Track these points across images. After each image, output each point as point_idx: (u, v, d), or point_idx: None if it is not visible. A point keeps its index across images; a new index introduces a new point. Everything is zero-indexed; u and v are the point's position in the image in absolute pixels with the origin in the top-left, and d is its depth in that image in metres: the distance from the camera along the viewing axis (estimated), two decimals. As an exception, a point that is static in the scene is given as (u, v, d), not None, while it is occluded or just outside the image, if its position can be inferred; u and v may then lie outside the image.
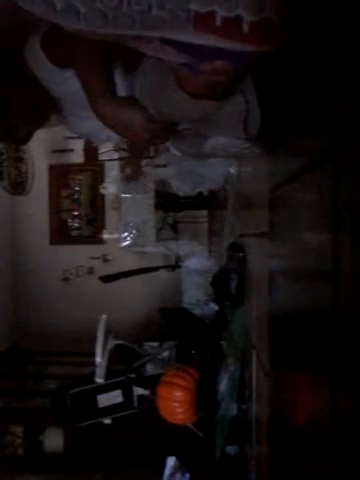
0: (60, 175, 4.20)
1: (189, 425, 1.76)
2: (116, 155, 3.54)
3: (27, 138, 1.31)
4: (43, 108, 1.26)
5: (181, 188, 2.38)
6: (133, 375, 1.53)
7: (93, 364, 1.59)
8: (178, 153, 1.29)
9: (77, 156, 4.09)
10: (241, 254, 1.45)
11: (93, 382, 1.54)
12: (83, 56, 1.08)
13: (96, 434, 2.65)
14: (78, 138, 3.89)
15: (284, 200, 1.00)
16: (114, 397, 1.51)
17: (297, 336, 0.84)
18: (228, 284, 1.45)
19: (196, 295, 2.85)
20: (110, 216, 3.97)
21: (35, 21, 1.17)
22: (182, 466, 1.88)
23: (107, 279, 3.11)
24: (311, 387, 0.80)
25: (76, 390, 1.54)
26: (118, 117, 1.08)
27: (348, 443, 0.59)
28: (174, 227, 3.55)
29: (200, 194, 3.02)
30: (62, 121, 1.35)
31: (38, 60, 1.14)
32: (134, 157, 1.64)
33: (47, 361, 3.76)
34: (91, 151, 4.00)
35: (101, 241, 3.90)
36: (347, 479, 0.60)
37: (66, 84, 1.19)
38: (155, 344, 2.03)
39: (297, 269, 0.88)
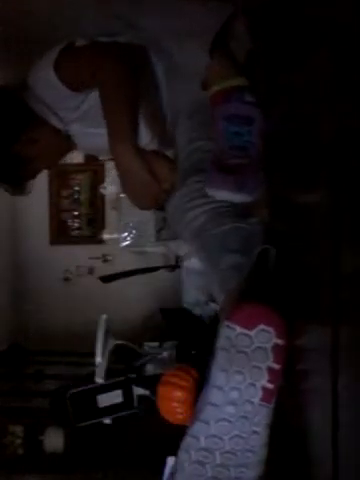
0: (60, 175, 4.19)
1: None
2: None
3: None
4: (58, 145, 1.27)
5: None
6: (133, 375, 1.52)
7: (93, 364, 1.59)
8: None
9: (77, 156, 4.08)
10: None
11: (93, 382, 1.54)
12: (117, 94, 1.06)
13: (96, 434, 2.64)
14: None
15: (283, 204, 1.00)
16: (114, 397, 1.51)
17: (297, 336, 0.84)
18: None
19: (196, 295, 2.84)
20: (110, 216, 3.97)
21: (38, 50, 1.17)
22: (182, 466, 1.88)
23: (107, 279, 3.11)
24: (311, 387, 0.80)
25: (76, 390, 1.53)
26: (127, 168, 1.07)
27: (348, 443, 0.59)
28: (174, 227, 3.54)
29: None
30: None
31: (52, 86, 1.13)
32: None
33: (47, 361, 3.76)
34: (91, 151, 3.99)
35: (101, 241, 3.89)
36: (348, 478, 0.60)
37: (79, 109, 1.18)
38: (155, 344, 2.03)
39: (296, 269, 0.88)
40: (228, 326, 0.81)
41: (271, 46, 1.11)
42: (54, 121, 1.21)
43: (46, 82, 1.13)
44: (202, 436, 0.83)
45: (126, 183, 1.10)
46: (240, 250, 0.96)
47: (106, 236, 3.72)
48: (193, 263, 3.07)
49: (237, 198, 0.99)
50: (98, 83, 1.07)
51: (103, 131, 1.16)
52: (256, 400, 0.80)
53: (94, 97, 1.14)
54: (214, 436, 0.83)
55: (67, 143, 1.30)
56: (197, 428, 0.84)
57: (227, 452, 0.82)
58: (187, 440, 0.85)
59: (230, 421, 0.81)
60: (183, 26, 1.10)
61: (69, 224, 4.26)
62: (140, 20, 1.13)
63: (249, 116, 1.02)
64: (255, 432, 0.81)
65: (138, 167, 1.06)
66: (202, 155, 1.11)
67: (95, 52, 1.10)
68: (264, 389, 0.79)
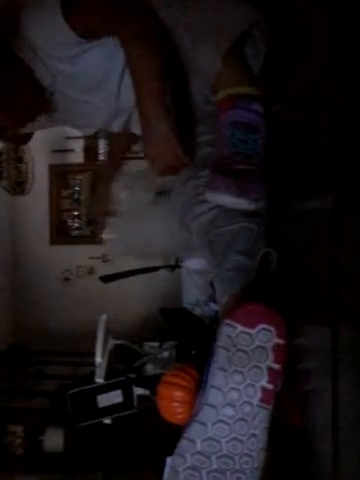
0: (60, 175, 4.19)
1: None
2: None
3: (27, 138, 1.26)
4: (33, 104, 1.17)
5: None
6: (133, 375, 1.52)
7: (93, 364, 1.59)
8: None
9: (77, 156, 4.08)
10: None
11: (93, 382, 1.53)
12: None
13: (96, 434, 2.64)
14: (78, 138, 3.88)
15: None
16: (114, 397, 1.51)
17: (297, 337, 0.84)
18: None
19: (196, 295, 2.84)
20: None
21: None
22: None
23: (107, 279, 3.10)
24: (311, 387, 0.80)
25: (76, 390, 1.53)
26: (155, 125, 1.02)
27: (348, 442, 0.59)
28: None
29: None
30: (52, 117, 1.26)
31: (54, 27, 1.02)
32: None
33: (47, 361, 3.76)
34: (91, 151, 3.99)
35: (101, 241, 3.89)
36: (347, 477, 0.60)
37: (75, 61, 1.09)
38: (155, 344, 2.03)
39: (296, 271, 0.88)
40: (229, 324, 0.80)
41: (279, 54, 1.07)
42: (42, 72, 1.12)
43: (48, 22, 1.03)
44: (198, 439, 0.81)
45: (150, 141, 1.05)
46: (246, 252, 0.95)
47: (106, 236, 3.71)
48: (193, 263, 3.06)
49: (239, 204, 0.96)
50: (122, 38, 1.00)
51: (91, 98, 1.11)
52: (255, 401, 0.79)
53: (88, 64, 1.07)
54: (211, 439, 0.81)
55: (42, 102, 1.18)
56: (193, 430, 0.82)
57: (224, 456, 0.80)
58: (182, 443, 0.83)
59: (228, 423, 0.80)
60: (203, 25, 1.04)
61: (69, 224, 4.26)
62: (161, 11, 1.07)
63: (254, 125, 1.00)
64: (253, 435, 0.80)
65: (166, 126, 1.02)
66: (210, 149, 1.09)
67: (119, 3, 1.02)
68: (263, 390, 0.78)
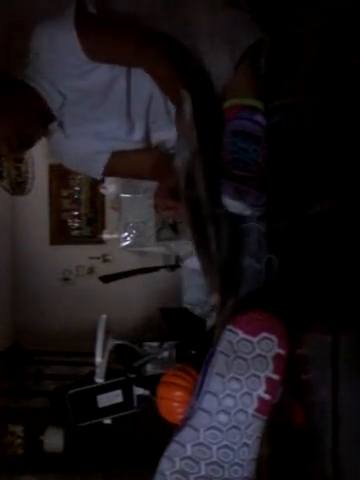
0: (60, 175, 4.19)
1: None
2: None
3: (30, 145, 1.29)
4: (28, 130, 1.22)
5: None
6: (133, 375, 1.52)
7: (93, 364, 1.58)
8: None
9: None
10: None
11: (93, 382, 1.53)
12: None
13: (96, 434, 2.64)
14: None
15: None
16: (114, 397, 1.51)
17: (296, 344, 0.84)
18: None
19: (196, 295, 2.84)
20: (110, 216, 3.97)
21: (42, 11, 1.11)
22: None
23: (107, 279, 3.10)
24: (312, 392, 0.79)
25: (76, 390, 1.53)
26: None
27: (348, 441, 0.59)
28: (174, 227, 3.54)
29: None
30: (55, 148, 1.29)
31: (67, 48, 1.06)
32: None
33: (47, 361, 3.76)
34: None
35: (101, 241, 3.89)
36: (346, 477, 0.60)
37: (86, 76, 1.12)
38: (155, 344, 2.03)
39: (295, 277, 0.88)
40: (231, 330, 0.80)
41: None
42: (51, 94, 1.15)
43: (61, 42, 1.06)
44: (189, 443, 0.80)
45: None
46: (254, 254, 0.95)
47: (106, 236, 3.72)
48: (193, 263, 3.07)
49: (234, 206, 0.96)
50: (144, 70, 1.06)
51: (101, 114, 1.12)
52: (250, 410, 0.78)
53: (96, 76, 1.09)
54: (202, 444, 0.80)
55: (42, 126, 1.23)
56: (185, 434, 0.81)
57: (214, 463, 0.79)
58: (172, 446, 0.82)
59: (221, 430, 0.79)
60: (221, 32, 1.06)
61: (69, 224, 4.26)
62: (185, 15, 1.09)
63: (256, 135, 1.02)
64: (246, 444, 0.78)
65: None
66: None
67: (138, 39, 1.06)
68: (260, 399, 0.77)
